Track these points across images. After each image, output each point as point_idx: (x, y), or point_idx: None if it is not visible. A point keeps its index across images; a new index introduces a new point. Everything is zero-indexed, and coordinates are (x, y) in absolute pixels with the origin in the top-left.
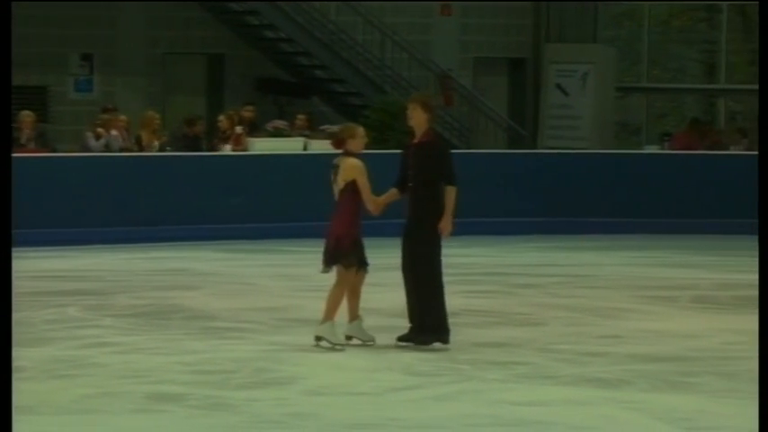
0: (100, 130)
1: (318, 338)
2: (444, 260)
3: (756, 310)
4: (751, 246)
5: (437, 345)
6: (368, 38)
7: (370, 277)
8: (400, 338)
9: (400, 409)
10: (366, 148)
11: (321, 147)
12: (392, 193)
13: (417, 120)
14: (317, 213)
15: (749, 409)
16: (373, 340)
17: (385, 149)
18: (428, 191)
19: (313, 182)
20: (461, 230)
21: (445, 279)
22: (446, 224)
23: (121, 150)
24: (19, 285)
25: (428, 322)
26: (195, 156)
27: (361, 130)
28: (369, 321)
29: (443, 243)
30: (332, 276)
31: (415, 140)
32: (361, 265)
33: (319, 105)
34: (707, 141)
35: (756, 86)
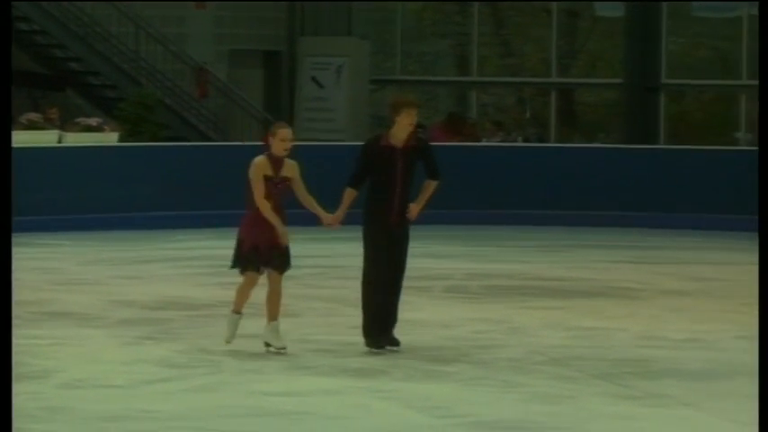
0: None
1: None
2: (204, 252)
3: (507, 299)
4: (502, 236)
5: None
6: (122, 30)
7: (123, 270)
8: (392, 343)
9: (155, 401)
10: (120, 141)
11: (76, 140)
12: (351, 194)
13: (412, 125)
14: (72, 206)
15: (502, 397)
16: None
17: (139, 142)
18: (409, 192)
19: (67, 175)
20: (218, 222)
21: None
22: (417, 209)
23: None
24: None
25: (394, 321)
26: None
27: (280, 132)
28: (123, 314)
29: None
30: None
31: (401, 144)
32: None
33: (74, 98)
34: (463, 134)
35: (508, 78)
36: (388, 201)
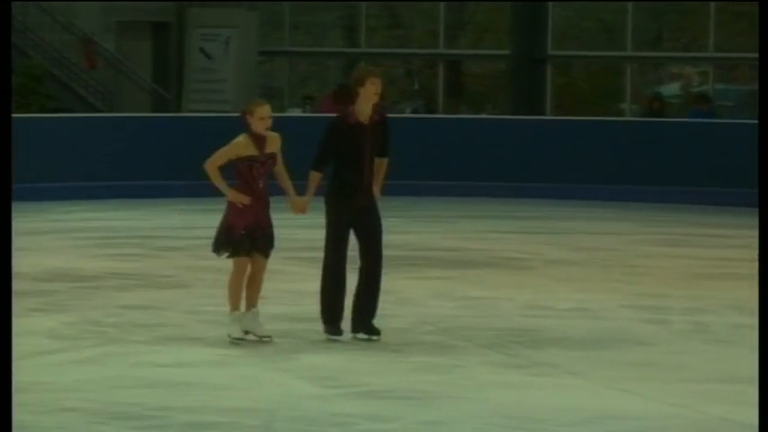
0: None
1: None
2: (93, 224)
3: (396, 269)
4: (390, 207)
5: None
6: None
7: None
8: (371, 332)
9: (44, 373)
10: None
11: None
12: (316, 177)
13: (378, 94)
14: None
15: (391, 367)
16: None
17: (28, 113)
18: (373, 171)
19: None
20: (106, 194)
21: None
22: (378, 190)
23: None
24: None
25: (374, 309)
26: None
27: (258, 110)
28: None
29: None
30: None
31: (368, 120)
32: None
33: None
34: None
35: (396, 50)
36: (355, 182)
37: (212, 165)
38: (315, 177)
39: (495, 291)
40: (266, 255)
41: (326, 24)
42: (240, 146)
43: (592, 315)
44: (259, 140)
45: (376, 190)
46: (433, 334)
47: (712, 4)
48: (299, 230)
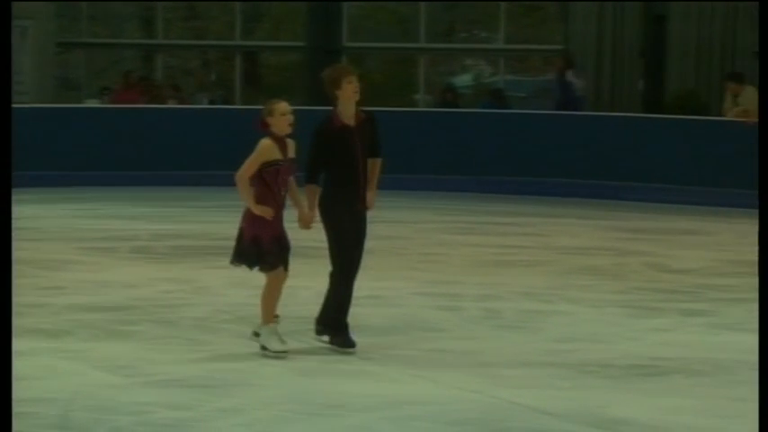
0: None
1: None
2: None
3: (193, 259)
4: (187, 196)
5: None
6: None
7: None
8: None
9: None
10: None
11: None
12: (315, 190)
13: (357, 92)
14: None
15: (188, 355)
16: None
17: None
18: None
19: None
20: None
21: None
22: (373, 197)
23: None
24: None
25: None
26: None
27: (278, 107)
28: None
29: None
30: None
31: (353, 121)
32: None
33: None
34: (150, 95)
35: (193, 41)
36: (352, 188)
37: (244, 177)
38: (311, 190)
39: (292, 279)
40: (286, 266)
41: (124, 16)
42: (267, 149)
43: (386, 302)
44: (281, 143)
45: (371, 200)
46: (231, 323)
47: None
48: (94, 220)
